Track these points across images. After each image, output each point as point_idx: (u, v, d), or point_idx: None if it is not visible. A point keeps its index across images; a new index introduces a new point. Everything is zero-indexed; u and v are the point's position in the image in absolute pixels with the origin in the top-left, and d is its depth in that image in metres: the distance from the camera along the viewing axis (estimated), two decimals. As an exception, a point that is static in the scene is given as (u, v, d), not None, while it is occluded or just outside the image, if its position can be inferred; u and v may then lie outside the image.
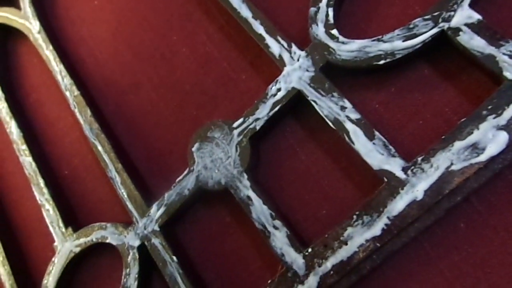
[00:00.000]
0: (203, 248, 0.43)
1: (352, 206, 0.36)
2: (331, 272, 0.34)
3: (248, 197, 0.39)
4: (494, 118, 0.30)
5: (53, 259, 0.50)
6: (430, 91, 0.35)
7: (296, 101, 0.39)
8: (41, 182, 0.53)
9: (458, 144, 0.31)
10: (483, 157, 0.30)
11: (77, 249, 0.48)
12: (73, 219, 0.52)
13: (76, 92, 0.52)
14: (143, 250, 0.44)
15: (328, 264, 0.34)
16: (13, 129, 0.57)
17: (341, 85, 0.37)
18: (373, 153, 0.34)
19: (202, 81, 0.45)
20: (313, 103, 0.37)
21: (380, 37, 0.35)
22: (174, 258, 0.42)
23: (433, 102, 0.34)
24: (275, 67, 0.41)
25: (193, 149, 0.42)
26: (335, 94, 0.36)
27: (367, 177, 0.36)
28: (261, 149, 0.41)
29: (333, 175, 0.37)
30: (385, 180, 0.33)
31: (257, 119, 0.39)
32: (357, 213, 0.34)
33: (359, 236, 0.33)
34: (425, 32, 0.33)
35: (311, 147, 0.39)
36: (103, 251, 0.49)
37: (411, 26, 0.34)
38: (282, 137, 0.40)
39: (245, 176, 0.39)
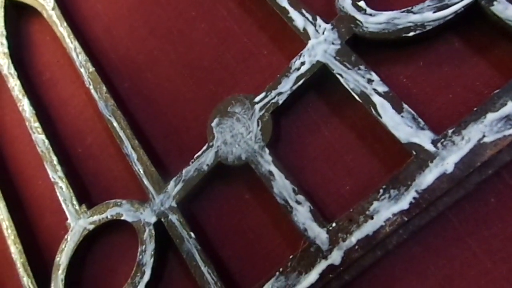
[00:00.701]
0: (221, 225, 0.42)
1: (376, 181, 0.35)
2: (356, 247, 0.33)
3: (270, 172, 0.38)
4: (530, 89, 0.29)
5: (66, 236, 0.49)
6: (461, 64, 0.34)
7: (320, 75, 0.38)
8: (54, 160, 0.52)
9: (491, 116, 0.30)
10: (517, 129, 0.29)
11: (91, 227, 0.48)
12: (86, 197, 0.51)
13: (91, 69, 0.51)
14: (160, 227, 0.44)
15: (353, 238, 0.34)
16: (25, 107, 0.56)
17: (367, 59, 0.36)
18: (401, 126, 0.33)
19: (221, 57, 0.45)
20: (338, 76, 0.36)
21: (409, 8, 0.34)
22: (192, 234, 0.41)
23: (463, 76, 0.34)
24: (297, 41, 0.40)
25: (213, 124, 0.42)
26: (361, 67, 0.36)
27: (393, 152, 0.35)
28: (282, 125, 0.40)
29: (357, 150, 0.37)
30: (414, 153, 0.32)
31: (280, 93, 0.39)
32: (383, 187, 0.33)
33: (385, 210, 0.33)
34: (457, 2, 0.33)
35: (335, 122, 0.38)
36: (117, 229, 0.48)
37: (443, -3, 0.33)
38: (304, 112, 0.39)
39: (267, 151, 0.38)
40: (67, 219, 0.50)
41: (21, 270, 0.52)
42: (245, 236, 0.41)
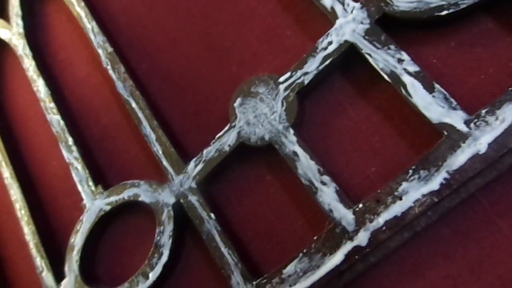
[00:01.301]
0: (241, 206, 0.41)
1: (404, 163, 0.35)
2: (383, 228, 0.33)
3: (294, 153, 0.37)
4: None
5: (81, 217, 0.49)
6: (494, 45, 0.33)
7: (347, 55, 0.37)
8: (70, 140, 0.52)
9: (527, 96, 0.30)
10: (555, 108, 0.29)
11: (107, 207, 0.47)
12: (101, 179, 0.50)
13: (110, 49, 0.51)
14: (178, 208, 0.43)
15: (380, 219, 0.33)
16: (40, 88, 0.56)
17: (396, 39, 0.36)
18: (432, 106, 0.33)
19: (244, 37, 0.44)
20: (367, 56, 0.36)
21: (443, -14, 0.34)
22: (212, 215, 0.41)
23: (496, 57, 0.33)
24: (322, 22, 0.39)
25: (235, 104, 0.41)
26: (392, 46, 0.35)
27: (422, 133, 0.34)
28: (307, 106, 0.40)
29: (384, 131, 0.36)
30: (445, 133, 0.32)
31: (306, 73, 0.38)
32: (413, 167, 0.33)
33: (415, 191, 0.32)
34: (494, -19, 0.32)
35: (361, 104, 0.38)
36: (133, 210, 0.48)
37: (478, -25, 0.33)
38: (329, 93, 0.39)
39: (291, 131, 0.38)
40: (81, 200, 0.50)
41: (34, 251, 0.51)
42: (266, 217, 0.40)
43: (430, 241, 0.33)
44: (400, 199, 0.33)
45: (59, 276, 0.49)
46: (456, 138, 0.32)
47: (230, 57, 0.45)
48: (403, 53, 0.34)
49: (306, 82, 0.38)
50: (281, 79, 0.39)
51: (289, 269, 0.36)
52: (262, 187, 0.41)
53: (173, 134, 0.46)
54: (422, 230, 0.33)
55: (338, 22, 0.38)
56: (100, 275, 0.49)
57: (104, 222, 0.49)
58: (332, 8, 0.38)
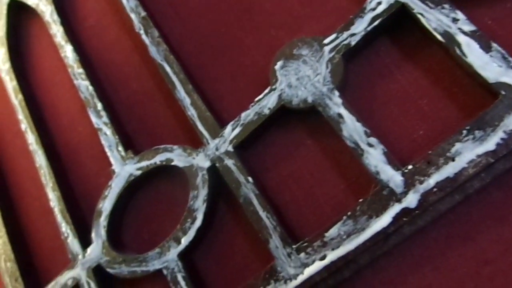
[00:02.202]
0: (278, 171, 0.41)
1: (453, 125, 0.34)
2: (434, 189, 0.32)
3: (339, 115, 0.37)
4: None
5: (109, 183, 0.48)
6: (553, 5, 0.32)
7: (397, 16, 0.36)
8: (99, 105, 0.51)
9: None
10: None
11: (138, 172, 0.47)
12: (130, 145, 0.50)
13: (143, 13, 0.50)
14: (213, 172, 0.42)
15: (431, 181, 0.32)
16: (68, 54, 0.55)
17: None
18: (489, 65, 0.32)
19: (285, 0, 0.43)
20: (419, 16, 0.35)
21: None
22: (250, 179, 0.40)
23: (555, 17, 0.32)
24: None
25: (276, 67, 0.40)
26: (446, 5, 0.34)
27: (473, 95, 0.34)
28: (351, 68, 0.39)
29: (433, 94, 0.35)
30: (503, 93, 0.31)
31: (353, 34, 0.37)
32: (467, 128, 0.32)
33: (469, 152, 0.31)
34: None
35: (409, 67, 0.37)
36: (163, 175, 0.47)
37: None
38: (376, 56, 0.38)
39: (336, 93, 0.37)
40: (108, 166, 0.49)
41: (59, 217, 0.51)
42: (305, 182, 0.39)
43: (481, 204, 0.32)
44: (453, 160, 0.32)
45: (84, 242, 0.49)
46: (514, 98, 0.31)
47: (269, 21, 0.44)
48: (458, 12, 0.34)
49: (352, 43, 0.37)
50: (326, 40, 0.38)
51: (332, 232, 0.35)
52: (301, 152, 0.40)
53: (207, 100, 0.46)
54: (473, 193, 0.32)
55: (388, -18, 0.37)
56: (128, 241, 0.48)
57: (133, 188, 0.48)
58: (382, -32, 0.37)
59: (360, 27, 0.37)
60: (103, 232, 0.47)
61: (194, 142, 0.45)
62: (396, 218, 0.33)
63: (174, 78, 0.46)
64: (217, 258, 0.42)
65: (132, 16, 0.50)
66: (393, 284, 0.34)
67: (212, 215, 0.43)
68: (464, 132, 0.32)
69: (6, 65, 0.60)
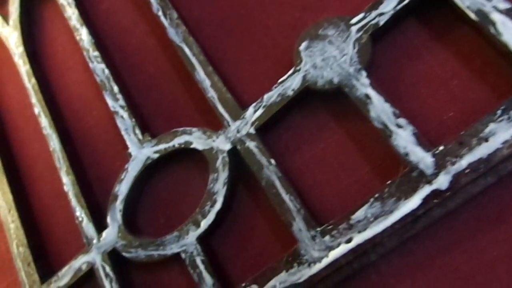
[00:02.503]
0: (301, 154, 0.40)
1: (485, 107, 0.33)
2: (467, 171, 0.31)
3: (367, 96, 0.36)
4: None
5: (125, 166, 0.47)
6: None
7: (427, -4, 0.36)
8: (115, 89, 0.50)
9: None
10: None
11: (155, 155, 0.46)
12: (146, 128, 0.49)
13: (161, -5, 0.49)
14: (233, 155, 0.42)
15: (463, 162, 0.32)
16: (83, 36, 0.54)
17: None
18: (525, 44, 0.31)
19: (309, -19, 0.42)
20: (451, -6, 0.34)
21: None
22: (272, 161, 0.39)
23: None
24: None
25: (301, 48, 0.40)
26: (479, -16, 0.33)
27: (507, 75, 0.33)
28: (378, 50, 0.38)
29: (464, 75, 0.35)
30: (539, 72, 0.30)
31: (381, 14, 0.36)
32: (502, 107, 0.31)
33: (504, 132, 0.31)
34: None
35: (438, 48, 0.36)
36: (181, 159, 0.46)
37: None
38: (404, 37, 0.37)
39: (364, 73, 0.36)
40: (124, 149, 0.48)
41: (73, 201, 0.50)
42: (328, 165, 0.39)
43: (514, 186, 0.32)
44: (486, 140, 0.31)
45: (98, 226, 0.48)
46: (552, 77, 0.30)
47: (293, 2, 0.43)
48: (493, -10, 0.33)
49: (381, 23, 0.36)
50: (353, 20, 0.38)
51: (359, 214, 0.35)
52: (324, 134, 0.39)
53: (228, 82, 0.45)
54: (506, 175, 0.31)
55: (418, -40, 0.36)
56: (143, 225, 0.48)
57: (149, 171, 0.47)
58: None
59: (389, 6, 0.36)
60: (119, 216, 0.47)
61: (213, 126, 0.44)
62: (426, 200, 0.32)
63: (193, 60, 0.45)
64: (236, 242, 0.42)
65: (150, -3, 0.50)
66: (420, 268, 0.34)
67: (232, 198, 0.42)
68: (499, 112, 0.31)
69: (19, 49, 0.60)
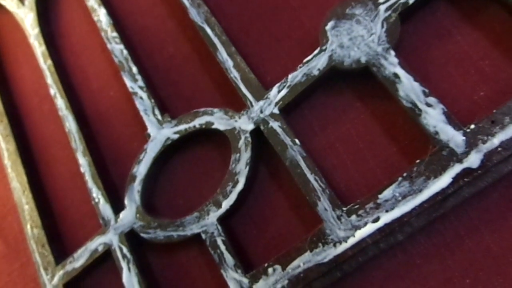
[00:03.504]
0: (326, 134, 0.40)
1: (517, 86, 0.33)
2: (499, 149, 0.31)
3: (395, 75, 0.36)
4: None
5: (144, 146, 0.47)
6: None
7: (458, -25, 0.35)
8: (134, 69, 0.50)
9: None
10: None
11: (175, 136, 0.46)
12: (166, 110, 0.49)
13: (182, -25, 0.49)
14: (256, 135, 0.41)
15: (495, 140, 0.31)
16: (101, 17, 0.54)
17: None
18: (561, 22, 0.31)
19: (335, -39, 0.42)
20: (484, -27, 0.34)
21: None
22: (296, 141, 0.39)
23: None
24: None
25: (327, 27, 0.39)
26: (513, -38, 0.33)
27: (541, 55, 0.33)
28: (407, 30, 0.38)
29: (495, 55, 0.34)
30: None
31: (411, -8, 0.36)
32: (536, 86, 0.31)
33: (537, 110, 0.30)
34: None
35: (469, 28, 0.36)
36: (201, 140, 0.46)
37: None
38: (433, 17, 0.37)
39: (392, 53, 0.36)
40: (142, 130, 0.48)
41: (90, 182, 0.50)
42: (354, 145, 0.38)
43: (546, 166, 0.31)
44: (519, 119, 0.31)
45: (115, 208, 0.48)
46: None
47: (318, -18, 0.43)
48: (527, -32, 0.33)
49: (410, 2, 0.36)
50: (382, -1, 0.37)
51: (386, 193, 0.34)
52: (350, 114, 0.39)
53: (250, 63, 0.44)
54: (539, 154, 0.31)
55: None
56: (162, 206, 0.47)
57: (168, 152, 0.47)
58: None
59: (419, -15, 0.36)
60: (137, 196, 0.46)
61: (234, 107, 0.44)
62: (456, 178, 0.32)
63: (215, 40, 0.45)
64: (257, 223, 0.41)
65: (171, -22, 0.49)
66: (448, 248, 0.33)
67: (253, 179, 0.42)
68: (532, 90, 0.31)
69: (35, 30, 0.59)
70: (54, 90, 0.55)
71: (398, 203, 0.34)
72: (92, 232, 0.49)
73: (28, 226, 0.53)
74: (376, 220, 0.34)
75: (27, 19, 0.60)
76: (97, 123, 0.54)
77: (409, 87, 0.35)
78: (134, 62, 0.50)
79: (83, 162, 0.51)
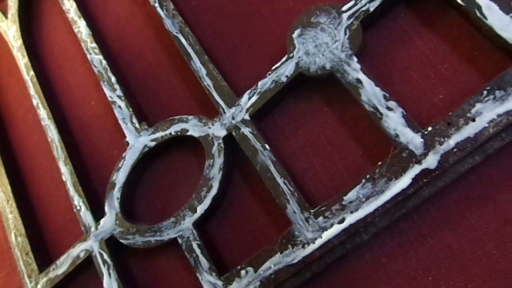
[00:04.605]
0: (295, 139, 0.41)
1: (475, 88, 0.34)
2: (454, 150, 0.32)
3: (358, 80, 0.37)
4: None
5: (123, 154, 0.48)
6: None
7: (416, -18, 0.37)
8: (112, 79, 0.51)
9: None
10: None
11: (152, 144, 0.47)
12: (144, 118, 0.50)
13: (158, -14, 0.50)
14: (229, 141, 0.42)
15: (451, 141, 0.32)
16: (82, 29, 0.55)
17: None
18: (510, 26, 0.32)
19: (302, -29, 0.43)
20: (439, -20, 0.35)
21: None
22: (267, 146, 0.40)
23: None
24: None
25: (294, 35, 0.40)
26: (466, -30, 0.34)
27: (495, 58, 0.34)
28: (369, 36, 0.39)
29: (453, 59, 0.36)
30: (524, 53, 0.31)
31: (371, 0, 0.37)
32: (487, 88, 0.32)
33: (489, 112, 0.32)
34: None
35: (428, 33, 0.37)
36: (177, 147, 0.47)
37: None
38: (394, 23, 0.38)
39: (355, 59, 0.37)
40: (121, 138, 0.49)
41: (71, 190, 0.51)
42: (323, 149, 0.39)
43: (501, 165, 0.33)
44: (473, 120, 0.32)
45: (96, 215, 0.49)
46: (536, 57, 0.31)
47: (286, -8, 0.44)
48: (479, -25, 0.34)
49: (371, 9, 0.37)
50: (344, 7, 0.39)
51: (351, 195, 0.35)
52: (318, 119, 0.40)
53: (223, 70, 0.46)
54: (493, 153, 0.32)
55: (407, -52, 0.37)
56: (141, 212, 0.48)
57: (146, 159, 0.48)
58: None
59: (379, -7, 0.37)
60: (116, 203, 0.47)
61: (209, 114, 0.45)
62: (416, 179, 0.33)
63: (189, 50, 0.46)
64: (232, 226, 0.42)
65: (147, -11, 0.50)
66: (412, 246, 0.34)
67: (227, 184, 0.43)
68: (485, 92, 0.32)
69: (18, 42, 0.60)
70: (37, 100, 0.56)
71: (362, 204, 0.35)
72: (75, 239, 0.50)
73: (13, 235, 0.54)
74: (341, 221, 0.35)
75: (10, 31, 0.61)
76: (79, 132, 0.55)
77: (370, 92, 0.36)
78: (113, 72, 0.51)
79: (65, 171, 0.52)
